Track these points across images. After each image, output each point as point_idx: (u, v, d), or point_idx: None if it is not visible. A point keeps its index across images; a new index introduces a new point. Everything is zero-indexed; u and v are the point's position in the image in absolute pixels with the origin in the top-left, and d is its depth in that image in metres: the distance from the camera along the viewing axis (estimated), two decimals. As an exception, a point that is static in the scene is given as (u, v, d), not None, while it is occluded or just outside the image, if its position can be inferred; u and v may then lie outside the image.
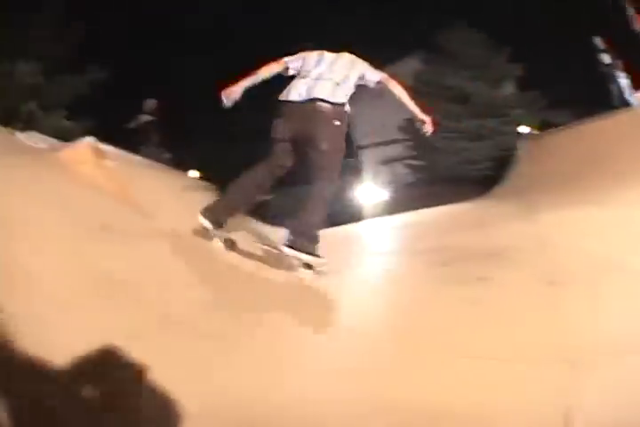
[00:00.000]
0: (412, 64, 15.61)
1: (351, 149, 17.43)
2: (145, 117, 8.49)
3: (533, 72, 14.32)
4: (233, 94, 3.59)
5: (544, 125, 12.53)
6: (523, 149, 10.02)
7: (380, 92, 3.87)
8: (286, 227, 3.40)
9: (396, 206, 10.45)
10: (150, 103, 8.63)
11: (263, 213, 11.04)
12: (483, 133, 14.06)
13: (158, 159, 8.06)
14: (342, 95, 3.57)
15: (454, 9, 15.24)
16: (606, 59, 9.14)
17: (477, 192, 10.48)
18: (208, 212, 3.47)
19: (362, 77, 3.74)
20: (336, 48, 3.86)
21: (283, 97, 3.61)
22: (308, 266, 3.28)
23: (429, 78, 14.81)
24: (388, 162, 15.87)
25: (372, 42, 17.65)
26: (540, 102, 14.38)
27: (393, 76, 3.92)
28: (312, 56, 3.77)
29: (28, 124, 10.97)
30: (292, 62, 3.76)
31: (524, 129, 12.92)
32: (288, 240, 3.20)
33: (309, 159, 3.48)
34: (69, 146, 4.08)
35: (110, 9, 15.97)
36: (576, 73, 13.90)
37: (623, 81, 8.82)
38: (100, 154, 3.91)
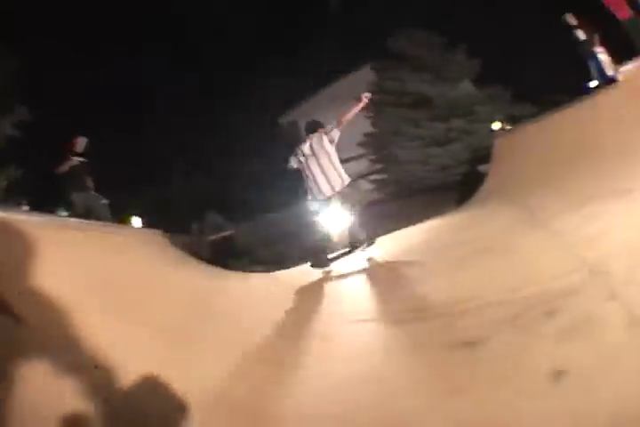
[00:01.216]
0: (365, 74, 15.03)
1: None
2: (76, 160, 7.22)
3: (493, 66, 13.68)
4: None
5: (514, 120, 11.69)
6: (497, 147, 9.24)
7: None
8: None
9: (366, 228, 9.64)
10: (82, 142, 7.30)
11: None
12: (451, 136, 13.21)
13: (94, 206, 7.07)
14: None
15: (400, 12, 14.71)
16: (580, 35, 8.36)
17: (457, 200, 9.79)
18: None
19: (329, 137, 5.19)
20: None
21: None
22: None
23: (388, 86, 14.13)
24: (352, 179, 15.01)
25: (319, 58, 17.33)
26: (504, 96, 13.75)
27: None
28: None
29: None
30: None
31: (496, 126, 11.99)
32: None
33: None
34: None
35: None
36: (546, 57, 13.28)
37: (602, 57, 8.17)
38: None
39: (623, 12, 8.21)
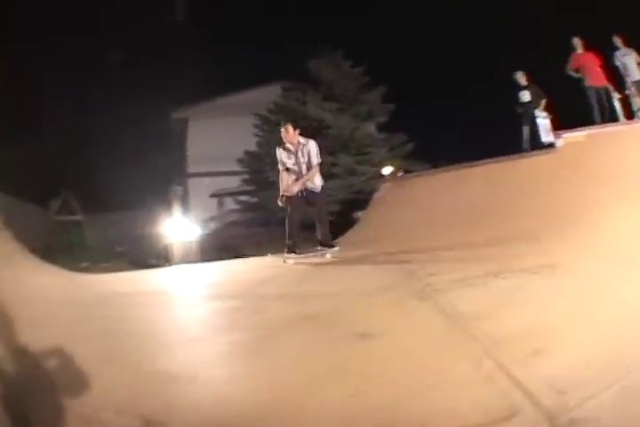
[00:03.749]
0: (274, 90, 14.09)
1: (180, 177, 15.22)
2: None
3: (404, 115, 13.41)
4: None
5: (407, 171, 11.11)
6: (379, 193, 8.63)
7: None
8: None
9: (210, 249, 8.87)
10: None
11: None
12: (333, 172, 11.92)
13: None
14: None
15: (331, 37, 13.91)
16: (526, 96, 7.82)
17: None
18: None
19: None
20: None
21: None
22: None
23: (290, 106, 13.07)
24: (217, 195, 13.84)
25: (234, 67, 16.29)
26: (404, 149, 13.32)
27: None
28: None
29: None
30: None
31: (387, 170, 11.18)
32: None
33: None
34: None
35: None
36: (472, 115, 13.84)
37: (543, 121, 7.61)
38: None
39: (598, 80, 7.80)
